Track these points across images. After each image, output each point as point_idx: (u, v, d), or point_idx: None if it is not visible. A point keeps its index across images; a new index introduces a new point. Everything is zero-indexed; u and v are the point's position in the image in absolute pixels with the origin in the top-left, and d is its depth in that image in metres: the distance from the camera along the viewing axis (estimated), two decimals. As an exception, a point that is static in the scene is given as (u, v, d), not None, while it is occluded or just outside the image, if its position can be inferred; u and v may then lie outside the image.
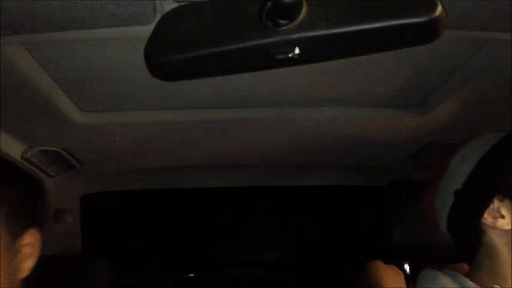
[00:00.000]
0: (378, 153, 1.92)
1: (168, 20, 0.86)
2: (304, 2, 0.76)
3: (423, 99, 1.47)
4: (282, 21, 0.77)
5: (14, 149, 1.63)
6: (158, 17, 0.94)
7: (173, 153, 1.89)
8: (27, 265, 1.09)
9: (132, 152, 1.86)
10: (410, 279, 1.77)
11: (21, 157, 1.67)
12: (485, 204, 1.08)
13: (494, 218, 1.07)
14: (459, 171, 1.15)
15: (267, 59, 0.80)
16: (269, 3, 0.76)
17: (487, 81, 1.28)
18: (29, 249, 1.10)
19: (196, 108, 1.50)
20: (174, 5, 0.92)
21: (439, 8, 0.75)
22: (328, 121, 1.58)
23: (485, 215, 1.08)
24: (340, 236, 2.72)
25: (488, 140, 1.15)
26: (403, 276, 1.80)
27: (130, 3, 0.91)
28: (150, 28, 0.86)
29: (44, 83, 1.23)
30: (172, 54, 0.83)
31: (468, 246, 1.13)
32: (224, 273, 2.74)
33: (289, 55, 0.78)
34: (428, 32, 0.78)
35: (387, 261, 1.75)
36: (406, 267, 1.75)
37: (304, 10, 0.77)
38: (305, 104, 1.49)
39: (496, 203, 1.07)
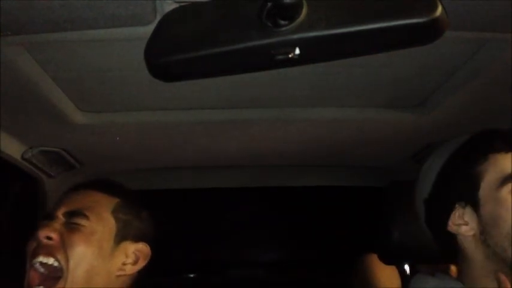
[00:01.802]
0: (378, 154, 1.92)
1: (168, 20, 0.86)
2: (304, 2, 0.76)
3: (423, 99, 1.47)
4: (282, 22, 0.77)
5: (14, 149, 1.63)
6: (158, 17, 0.94)
7: (173, 154, 1.89)
8: (130, 268, 1.29)
9: (132, 152, 1.86)
10: (409, 279, 1.77)
11: (22, 157, 1.67)
12: (448, 212, 1.09)
13: (458, 225, 1.08)
14: (426, 179, 1.16)
15: (267, 60, 0.80)
16: (269, 4, 0.76)
17: (487, 82, 1.28)
18: (138, 255, 1.31)
19: (196, 109, 1.50)
20: (174, 5, 0.92)
21: (439, 9, 0.75)
22: (328, 121, 1.58)
23: (450, 222, 1.09)
24: (340, 236, 2.72)
25: (450, 147, 1.15)
26: (396, 270, 1.80)
27: (130, 3, 0.91)
28: (150, 28, 0.86)
29: (44, 83, 1.23)
30: (172, 54, 0.83)
31: (448, 250, 1.14)
32: (224, 274, 2.74)
33: (289, 55, 0.78)
34: (428, 33, 0.78)
35: (387, 262, 1.75)
36: (406, 267, 1.75)
37: (304, 10, 0.76)
38: (305, 104, 1.49)
39: (459, 210, 1.08)
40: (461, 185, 1.10)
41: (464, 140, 1.15)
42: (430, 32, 0.77)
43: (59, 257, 1.21)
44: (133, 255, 1.30)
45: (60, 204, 1.31)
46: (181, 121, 1.52)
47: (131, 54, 1.09)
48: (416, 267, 1.80)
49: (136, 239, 1.32)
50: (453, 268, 1.73)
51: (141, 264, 1.32)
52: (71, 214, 1.27)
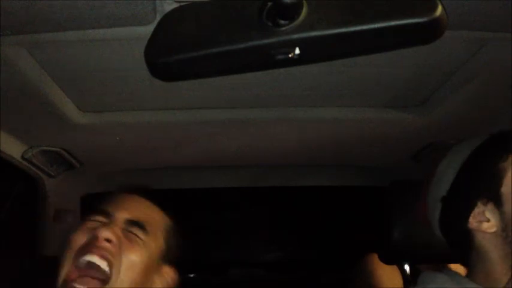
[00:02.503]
0: (378, 154, 1.92)
1: (168, 20, 0.86)
2: (304, 2, 0.76)
3: (423, 99, 1.47)
4: (282, 22, 0.77)
5: (14, 149, 1.63)
6: (158, 17, 0.94)
7: (173, 153, 1.89)
8: None
9: (132, 152, 1.86)
10: (409, 279, 1.77)
11: (22, 157, 1.67)
12: (469, 209, 1.09)
13: (479, 221, 1.08)
14: (444, 178, 1.16)
15: (267, 59, 0.80)
16: (269, 4, 0.76)
17: (487, 81, 1.28)
18: (170, 281, 1.29)
19: (196, 108, 1.50)
20: (174, 5, 0.92)
21: (439, 9, 0.75)
22: (328, 121, 1.58)
23: (470, 219, 1.09)
24: (340, 236, 2.72)
25: (470, 145, 1.16)
26: (398, 270, 1.80)
27: (130, 3, 0.91)
28: (150, 28, 0.86)
29: (44, 83, 1.23)
30: (172, 54, 0.83)
31: (461, 249, 1.14)
32: (224, 274, 2.74)
33: (290, 55, 0.78)
34: (428, 33, 0.78)
35: (387, 262, 1.75)
36: (406, 267, 1.75)
37: (304, 10, 0.77)
38: (305, 104, 1.49)
39: (480, 207, 1.08)
40: (483, 182, 1.10)
41: (485, 138, 1.16)
42: (430, 32, 0.77)
43: (113, 262, 1.16)
44: (167, 280, 1.29)
45: (120, 207, 1.25)
46: (181, 121, 1.52)
47: (131, 54, 1.09)
48: (417, 267, 1.80)
49: (172, 264, 1.30)
50: (452, 267, 1.73)
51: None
52: (132, 223, 1.23)
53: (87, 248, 1.16)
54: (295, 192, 2.49)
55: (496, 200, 1.08)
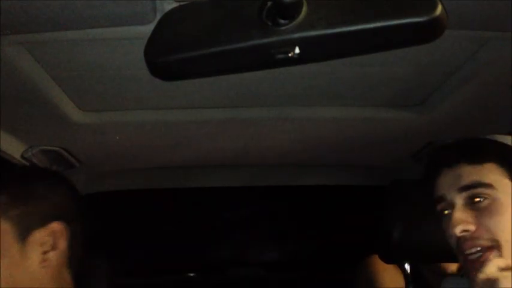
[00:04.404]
0: (378, 153, 1.92)
1: (168, 19, 0.86)
2: (304, 1, 0.76)
3: (423, 99, 1.47)
4: (282, 21, 0.77)
5: (14, 149, 1.63)
6: (158, 16, 0.94)
7: (173, 153, 1.89)
8: (54, 255, 1.17)
9: (132, 152, 1.86)
10: (410, 279, 1.77)
11: (22, 157, 1.67)
12: None
13: None
14: None
15: (267, 59, 0.80)
16: (269, 3, 0.76)
17: (487, 81, 1.28)
18: (51, 239, 1.18)
19: (196, 108, 1.50)
20: (174, 4, 0.92)
21: (439, 8, 0.75)
22: (328, 121, 1.58)
23: None
24: (340, 235, 2.72)
25: None
26: (399, 270, 1.80)
27: (130, 2, 0.91)
28: (150, 28, 0.86)
29: (44, 82, 1.23)
30: (172, 54, 0.83)
31: None
32: (224, 273, 2.74)
33: (289, 55, 0.78)
34: (428, 32, 0.78)
35: (387, 261, 1.75)
36: (407, 267, 1.75)
37: (304, 10, 0.77)
38: (305, 103, 1.49)
39: None
40: None
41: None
42: (430, 31, 0.77)
43: None
44: (47, 241, 1.17)
45: None
46: (181, 120, 1.52)
47: (131, 53, 1.09)
48: (417, 267, 1.80)
49: (41, 224, 1.17)
50: (452, 267, 1.73)
51: (63, 243, 1.19)
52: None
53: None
54: (295, 191, 2.49)
55: None
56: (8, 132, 1.53)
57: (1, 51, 1.05)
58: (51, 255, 1.17)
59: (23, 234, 1.15)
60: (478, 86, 1.30)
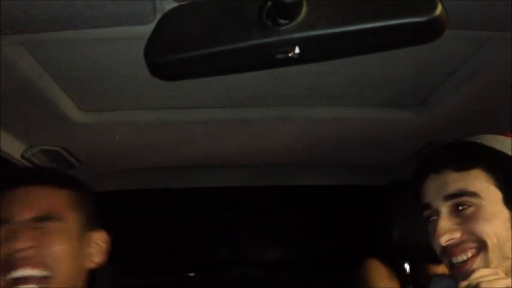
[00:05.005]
0: (377, 153, 1.92)
1: (168, 19, 0.86)
2: (304, 1, 0.76)
3: (423, 98, 1.47)
4: (282, 21, 0.77)
5: (14, 149, 1.63)
6: (158, 16, 0.94)
7: (173, 153, 1.89)
8: (98, 258, 1.31)
9: (132, 152, 1.86)
10: (409, 279, 1.77)
11: (22, 157, 1.67)
12: None
13: None
14: None
15: (267, 59, 0.80)
16: (269, 3, 0.76)
17: (487, 81, 1.28)
18: (101, 244, 1.33)
19: (196, 108, 1.50)
20: (174, 4, 0.92)
21: (439, 8, 0.75)
22: (328, 121, 1.58)
23: None
24: (340, 235, 2.72)
25: None
26: (394, 275, 1.80)
27: (130, 2, 0.91)
28: (150, 28, 0.86)
29: (44, 82, 1.23)
30: (172, 53, 0.83)
31: None
32: (224, 273, 2.74)
33: (289, 54, 0.78)
34: (428, 32, 0.78)
35: (387, 261, 1.75)
36: (406, 267, 1.75)
37: (304, 10, 0.77)
38: (305, 103, 1.49)
39: None
40: None
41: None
42: (430, 31, 0.77)
43: (43, 264, 1.16)
44: (97, 244, 1.32)
45: (19, 209, 1.21)
46: (181, 120, 1.52)
47: (131, 53, 1.09)
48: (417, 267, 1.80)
49: (95, 228, 1.33)
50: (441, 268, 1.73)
51: (105, 252, 1.34)
52: (38, 219, 1.20)
53: (9, 264, 1.15)
54: (295, 191, 2.49)
55: None
56: (8, 132, 1.53)
57: (1, 51, 1.05)
58: (96, 258, 1.31)
59: (85, 233, 1.28)
60: (478, 86, 1.30)
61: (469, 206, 1.12)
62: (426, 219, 1.20)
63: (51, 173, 1.41)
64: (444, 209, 1.14)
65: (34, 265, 1.16)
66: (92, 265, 1.30)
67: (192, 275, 2.80)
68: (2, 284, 1.16)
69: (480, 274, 1.04)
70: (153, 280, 2.72)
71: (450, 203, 1.13)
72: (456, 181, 1.14)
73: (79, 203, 1.30)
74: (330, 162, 2.10)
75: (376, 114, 1.52)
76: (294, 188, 2.37)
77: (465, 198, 1.12)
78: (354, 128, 1.63)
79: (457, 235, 1.11)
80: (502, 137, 1.24)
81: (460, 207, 1.12)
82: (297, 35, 0.77)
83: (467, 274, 1.06)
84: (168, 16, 0.86)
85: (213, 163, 2.10)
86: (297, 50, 0.77)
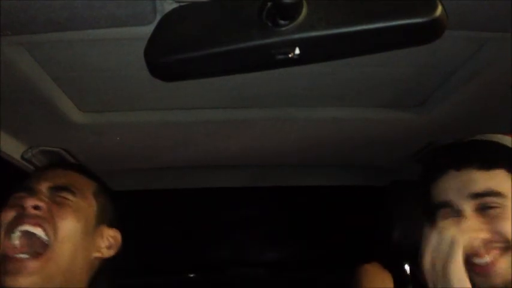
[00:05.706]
0: (378, 153, 1.92)
1: (168, 20, 0.86)
2: (304, 2, 0.76)
3: (423, 99, 1.47)
4: (282, 22, 0.77)
5: (14, 149, 1.63)
6: (158, 17, 0.94)
7: (173, 153, 1.89)
8: (106, 252, 1.30)
9: (132, 152, 1.86)
10: (409, 279, 1.77)
11: (22, 157, 1.67)
12: None
13: None
14: None
15: (267, 59, 0.80)
16: (269, 4, 0.76)
17: (487, 81, 1.28)
18: (112, 241, 1.32)
19: (196, 108, 1.50)
20: (174, 5, 0.92)
21: (439, 8, 0.75)
22: (328, 121, 1.58)
23: None
24: (340, 235, 2.71)
25: None
26: (392, 279, 1.80)
27: (130, 3, 0.91)
28: (150, 28, 0.86)
29: (44, 83, 1.23)
30: (172, 54, 0.83)
31: None
32: (224, 273, 2.74)
33: (290, 55, 0.78)
34: (428, 32, 0.78)
35: (387, 262, 1.75)
36: (406, 267, 1.75)
37: (304, 10, 0.77)
38: (305, 104, 1.49)
39: None
40: None
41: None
42: (430, 31, 0.77)
43: (48, 228, 1.15)
44: (108, 240, 1.31)
45: (40, 180, 1.25)
46: (181, 121, 1.52)
47: (131, 54, 1.09)
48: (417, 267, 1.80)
49: (110, 224, 1.33)
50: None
51: (114, 250, 1.32)
52: (57, 189, 1.23)
53: (17, 220, 1.15)
54: (295, 192, 2.48)
55: None
56: (8, 132, 1.53)
57: (1, 52, 1.05)
58: (105, 251, 1.30)
59: (99, 220, 1.29)
60: (478, 86, 1.30)
61: (496, 206, 1.09)
62: (433, 217, 1.15)
63: (80, 165, 1.46)
64: (468, 207, 1.10)
65: (39, 224, 1.15)
66: (98, 255, 1.28)
67: (192, 275, 2.80)
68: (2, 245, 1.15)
69: (501, 276, 1.04)
70: (153, 280, 2.72)
71: (476, 202, 1.10)
72: (484, 180, 1.10)
73: (101, 196, 1.33)
74: (330, 162, 2.10)
75: (376, 115, 1.52)
76: (294, 188, 2.36)
77: (492, 199, 1.09)
78: (354, 128, 1.63)
79: (484, 235, 1.08)
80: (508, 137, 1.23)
81: (487, 207, 1.09)
82: (297, 36, 0.77)
83: (491, 275, 1.04)
84: (168, 17, 0.86)
85: (213, 163, 2.10)
86: (297, 51, 0.78)
